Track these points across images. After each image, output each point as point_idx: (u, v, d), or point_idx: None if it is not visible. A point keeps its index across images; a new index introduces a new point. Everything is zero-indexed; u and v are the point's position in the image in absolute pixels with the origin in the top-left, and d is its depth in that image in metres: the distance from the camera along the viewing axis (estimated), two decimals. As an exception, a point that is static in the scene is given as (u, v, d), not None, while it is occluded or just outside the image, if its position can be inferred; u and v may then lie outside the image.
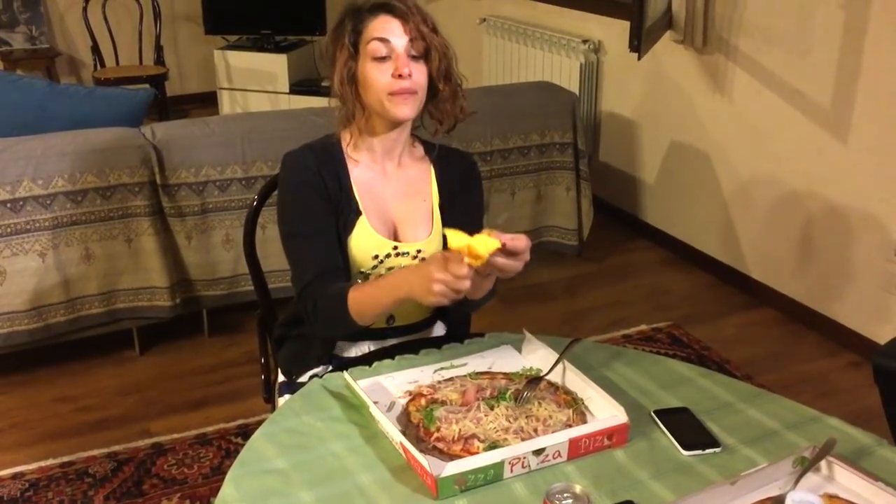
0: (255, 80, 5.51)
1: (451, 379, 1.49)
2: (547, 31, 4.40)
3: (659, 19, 3.47)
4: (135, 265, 2.90)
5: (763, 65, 3.31)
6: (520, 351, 1.61)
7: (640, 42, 3.19)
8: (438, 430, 1.33)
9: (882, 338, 2.95)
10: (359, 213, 1.65)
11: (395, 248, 1.66)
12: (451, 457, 1.27)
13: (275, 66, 5.45)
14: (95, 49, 5.39)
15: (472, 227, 1.51)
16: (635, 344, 3.15)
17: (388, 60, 1.57)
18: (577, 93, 4.01)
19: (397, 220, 1.70)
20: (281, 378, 1.84)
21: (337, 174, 1.65)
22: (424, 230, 1.70)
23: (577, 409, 1.41)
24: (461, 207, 1.73)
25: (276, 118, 3.30)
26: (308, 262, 1.62)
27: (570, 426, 1.35)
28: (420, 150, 1.75)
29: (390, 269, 1.67)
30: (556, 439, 1.28)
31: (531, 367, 1.53)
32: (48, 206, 2.75)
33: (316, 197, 1.62)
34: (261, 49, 5.52)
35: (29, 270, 2.76)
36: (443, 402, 1.40)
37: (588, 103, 4.25)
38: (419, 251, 1.68)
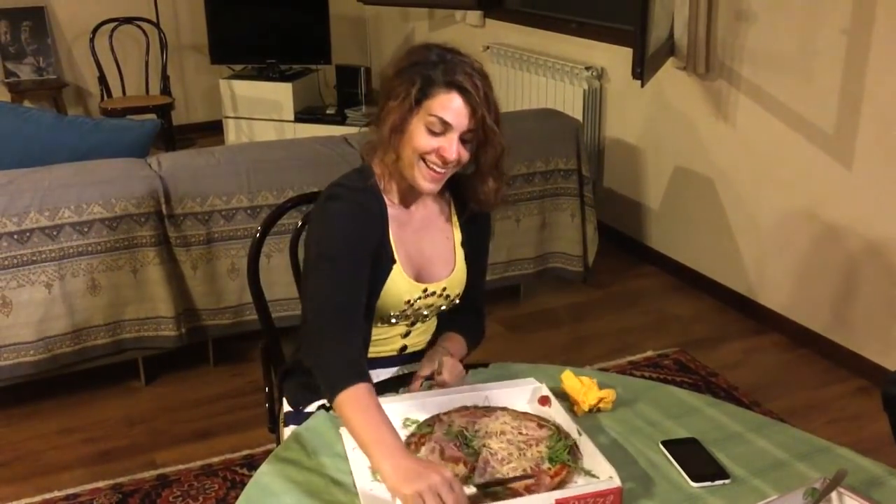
0: (261, 109, 5.55)
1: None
2: (550, 59, 4.43)
3: (661, 46, 3.49)
4: (140, 295, 2.91)
5: (766, 91, 3.33)
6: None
7: (642, 69, 3.20)
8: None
9: (890, 363, 2.93)
10: (393, 261, 1.64)
11: (425, 290, 1.67)
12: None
13: (280, 94, 5.49)
14: (102, 79, 5.44)
15: (481, 274, 1.78)
16: (642, 370, 3.13)
17: (440, 136, 1.55)
18: (580, 119, 4.03)
19: (422, 260, 1.70)
20: (287, 408, 1.83)
21: (380, 214, 1.63)
22: (447, 267, 1.71)
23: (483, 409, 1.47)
24: (479, 255, 1.79)
25: (281, 148, 3.32)
26: (333, 286, 1.52)
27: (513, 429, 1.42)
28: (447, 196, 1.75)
29: (418, 309, 1.68)
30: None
31: (408, 419, 1.49)
32: (54, 237, 2.76)
33: (364, 231, 1.59)
34: (266, 78, 5.57)
35: (35, 301, 2.77)
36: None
37: (592, 130, 4.26)
38: (444, 288, 1.70)
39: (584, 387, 1.53)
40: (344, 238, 1.58)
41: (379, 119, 1.62)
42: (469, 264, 1.76)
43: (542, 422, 1.47)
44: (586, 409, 1.51)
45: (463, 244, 1.74)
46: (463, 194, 1.73)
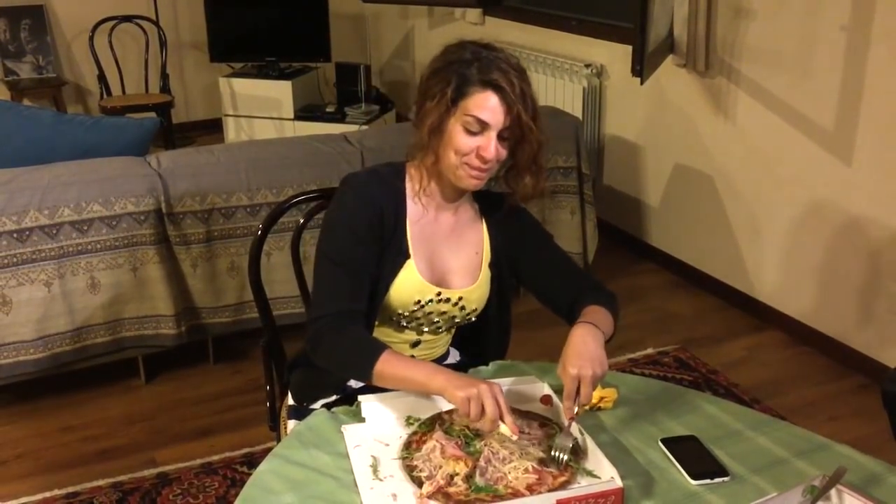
0: (260, 107, 5.54)
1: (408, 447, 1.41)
2: (550, 56, 4.43)
3: (661, 44, 3.49)
4: (140, 294, 2.91)
5: (765, 88, 3.32)
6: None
7: (642, 66, 3.20)
8: (511, 486, 1.30)
9: (890, 360, 2.93)
10: (407, 256, 1.63)
11: (439, 293, 1.65)
12: None
13: (279, 92, 5.49)
14: (102, 78, 5.43)
15: (560, 262, 1.73)
16: (642, 368, 3.13)
17: (478, 136, 1.55)
18: (580, 117, 4.03)
19: (445, 267, 1.68)
20: (290, 402, 1.83)
21: (396, 211, 1.62)
22: (469, 280, 1.70)
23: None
24: (544, 262, 1.75)
25: (280, 146, 3.31)
26: (337, 294, 1.57)
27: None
28: (473, 201, 1.73)
29: (429, 313, 1.67)
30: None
31: (411, 417, 1.49)
32: (54, 235, 2.76)
33: (369, 233, 1.59)
34: (265, 76, 5.56)
35: (35, 300, 2.77)
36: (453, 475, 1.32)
37: (592, 127, 4.26)
38: (461, 298, 1.68)
39: None
40: (351, 239, 1.59)
41: (417, 121, 1.61)
42: (547, 267, 1.74)
43: (544, 421, 1.47)
44: (587, 407, 1.51)
45: (492, 265, 1.72)
46: (493, 207, 1.72)
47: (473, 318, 1.74)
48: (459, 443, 1.38)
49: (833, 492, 1.25)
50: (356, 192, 1.62)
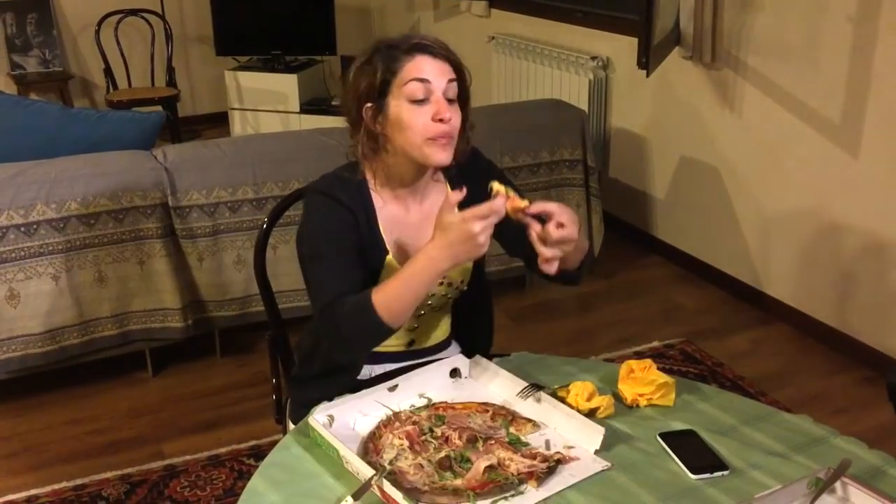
0: (266, 101, 5.55)
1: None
2: (555, 49, 4.42)
3: (667, 36, 3.48)
4: (147, 287, 2.92)
5: (772, 80, 3.31)
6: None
7: (648, 59, 3.20)
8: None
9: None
10: (385, 252, 1.62)
11: None
12: None
13: (285, 86, 5.49)
14: (108, 71, 5.45)
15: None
16: (647, 361, 3.13)
17: (427, 104, 1.50)
18: (586, 110, 4.02)
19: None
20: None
21: (367, 215, 1.61)
22: None
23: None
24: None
25: (286, 139, 3.32)
26: (328, 283, 1.55)
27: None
28: (434, 171, 1.70)
29: None
30: None
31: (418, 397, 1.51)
32: (61, 229, 2.77)
33: (345, 226, 1.57)
34: (271, 69, 5.57)
35: (42, 293, 2.78)
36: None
37: (597, 120, 4.25)
38: (444, 277, 1.67)
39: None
40: (325, 234, 1.58)
41: (359, 122, 1.58)
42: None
43: (496, 411, 1.47)
44: (585, 409, 1.46)
45: None
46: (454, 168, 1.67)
47: (465, 288, 1.73)
48: (415, 430, 1.38)
49: (838, 484, 1.26)
50: (325, 200, 1.59)
